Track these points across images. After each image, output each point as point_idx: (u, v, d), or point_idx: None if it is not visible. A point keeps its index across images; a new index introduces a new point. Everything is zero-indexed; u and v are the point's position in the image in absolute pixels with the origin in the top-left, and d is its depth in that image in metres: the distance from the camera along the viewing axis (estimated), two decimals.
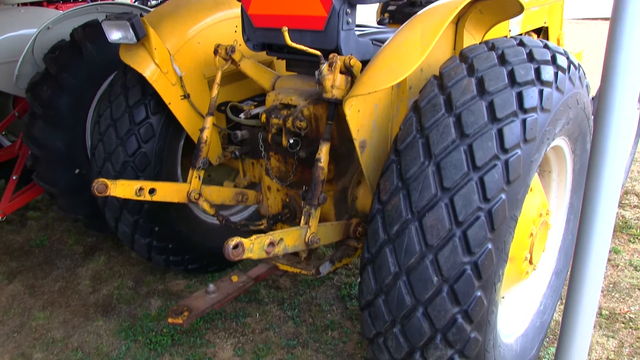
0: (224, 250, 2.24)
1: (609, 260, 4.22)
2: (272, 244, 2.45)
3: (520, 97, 2.22)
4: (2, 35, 4.82)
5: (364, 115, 2.57)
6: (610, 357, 3.26)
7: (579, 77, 2.66)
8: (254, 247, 2.35)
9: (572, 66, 2.55)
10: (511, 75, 2.28)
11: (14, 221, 5.29)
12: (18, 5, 6.17)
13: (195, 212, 3.94)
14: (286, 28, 2.78)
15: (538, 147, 2.28)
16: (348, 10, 2.81)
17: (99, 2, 6.11)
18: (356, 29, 3.29)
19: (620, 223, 4.74)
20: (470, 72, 2.34)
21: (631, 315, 3.60)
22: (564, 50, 2.58)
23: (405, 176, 2.24)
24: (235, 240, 2.25)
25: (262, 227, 3.40)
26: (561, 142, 2.85)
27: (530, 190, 2.74)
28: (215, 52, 3.37)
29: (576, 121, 2.76)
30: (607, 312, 3.64)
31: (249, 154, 3.62)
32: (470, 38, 3.10)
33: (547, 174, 3.17)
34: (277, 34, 3.02)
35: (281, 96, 3.14)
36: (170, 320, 2.91)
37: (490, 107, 2.19)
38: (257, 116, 3.42)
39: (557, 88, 2.36)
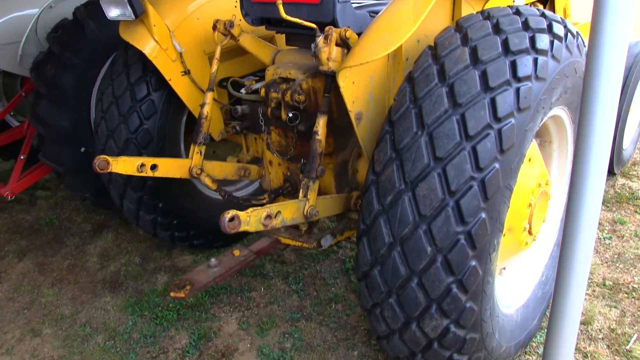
0: (220, 223, 2.26)
1: (614, 231, 4.21)
2: (269, 216, 2.47)
3: (514, 66, 2.20)
4: (7, 15, 4.82)
5: (359, 87, 2.56)
6: (611, 327, 3.27)
7: (577, 46, 2.63)
8: (250, 219, 2.37)
9: (569, 34, 2.52)
10: (505, 44, 2.26)
11: (23, 200, 5.36)
12: None
13: (199, 188, 3.97)
14: (281, 1, 2.78)
15: (533, 116, 2.26)
16: None
17: None
18: (354, 1, 3.27)
19: (627, 194, 4.71)
20: (464, 42, 2.33)
21: (634, 285, 3.59)
22: (561, 18, 2.54)
23: (398, 147, 2.24)
24: (231, 213, 2.27)
25: (265, 201, 3.42)
26: (560, 111, 2.83)
27: (529, 160, 2.73)
28: (214, 27, 3.37)
29: (575, 90, 2.73)
30: (610, 283, 3.64)
31: (250, 129, 3.63)
32: (470, 9, 3.07)
33: (548, 145, 3.15)
34: (274, 8, 3.00)
35: (280, 70, 3.13)
36: (172, 294, 2.95)
37: (483, 76, 2.17)
38: (257, 91, 3.42)
39: (553, 56, 2.34)
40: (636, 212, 4.45)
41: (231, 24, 3.33)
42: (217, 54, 3.37)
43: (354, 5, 3.14)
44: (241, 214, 2.31)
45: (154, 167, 3.24)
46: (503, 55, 2.23)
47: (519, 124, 2.17)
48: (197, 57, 3.59)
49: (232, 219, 2.28)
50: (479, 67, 2.20)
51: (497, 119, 2.12)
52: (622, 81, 4.48)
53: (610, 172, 4.94)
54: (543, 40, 2.33)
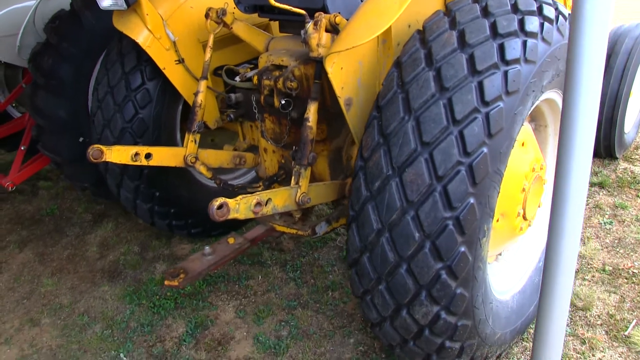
0: (208, 211, 2.26)
1: (615, 215, 4.17)
2: (259, 204, 2.45)
3: (502, 49, 2.17)
4: (6, 8, 4.82)
5: (348, 72, 2.54)
6: (610, 312, 3.24)
7: None
8: (239, 207, 2.35)
9: (560, 17, 2.48)
10: (493, 26, 2.23)
11: (25, 191, 5.38)
12: None
13: (195, 176, 3.96)
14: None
15: (522, 100, 2.23)
16: None
17: None
18: None
19: (629, 178, 4.66)
20: (452, 25, 2.29)
21: (634, 271, 3.56)
22: (553, 0, 2.50)
23: (385, 132, 2.21)
24: (219, 200, 2.26)
25: (260, 189, 3.42)
26: (554, 95, 2.79)
27: (522, 144, 2.70)
28: (207, 15, 3.35)
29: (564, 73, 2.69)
30: (610, 268, 3.61)
31: (245, 117, 3.61)
32: None
33: (543, 129, 3.12)
34: None
35: (273, 57, 3.12)
36: (166, 282, 2.95)
37: (471, 59, 2.14)
38: (251, 79, 3.40)
39: (543, 39, 2.30)
40: (637, 196, 4.41)
41: (223, 11, 3.31)
42: (210, 42, 3.36)
43: None
44: (230, 201, 2.30)
45: (148, 156, 3.24)
46: (491, 38, 2.20)
47: (508, 107, 2.14)
48: (191, 45, 3.58)
49: (220, 207, 2.26)
50: (467, 50, 2.17)
51: (485, 103, 2.09)
52: (622, 65, 4.44)
53: (612, 156, 4.89)
54: (532, 23, 2.29)
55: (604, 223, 4.10)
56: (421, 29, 2.43)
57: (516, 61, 2.17)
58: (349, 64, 2.53)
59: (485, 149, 2.08)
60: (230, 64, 3.71)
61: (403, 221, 2.14)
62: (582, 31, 1.62)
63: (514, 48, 2.18)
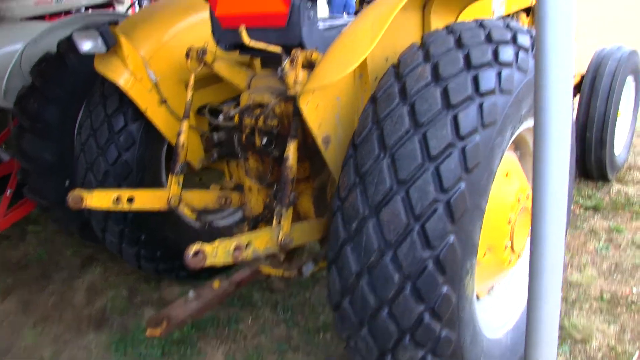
0: (184, 259, 2.20)
1: (611, 240, 4.08)
2: (238, 248, 2.38)
3: (476, 81, 2.12)
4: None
5: (325, 109, 2.48)
6: (611, 344, 3.14)
7: None
8: (217, 252, 2.29)
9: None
10: (467, 58, 2.18)
11: (12, 236, 5.29)
12: (21, 19, 6.18)
13: (182, 217, 3.90)
14: (243, 27, 2.74)
15: (500, 131, 2.18)
16: (308, 4, 2.74)
17: (89, 12, 6.12)
18: (328, 20, 3.22)
19: (623, 200, 4.58)
20: (426, 58, 2.25)
21: (633, 299, 3.46)
22: (527, 29, 2.46)
23: (361, 171, 2.15)
24: (195, 247, 2.20)
25: (246, 229, 3.35)
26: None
27: (506, 175, 2.64)
28: (187, 55, 3.32)
29: None
30: (608, 296, 3.51)
31: (229, 156, 3.56)
32: (441, 23, 3.00)
33: (529, 157, 3.04)
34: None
35: (254, 95, 3.08)
36: (148, 332, 2.87)
37: (445, 93, 2.09)
38: (234, 117, 3.36)
39: (519, 68, 2.26)
40: (633, 218, 4.33)
41: (204, 51, 3.27)
42: (192, 82, 3.32)
43: (323, 26, 3.08)
44: (207, 247, 2.24)
45: (130, 200, 3.18)
46: (465, 70, 2.15)
47: (485, 140, 2.08)
48: (173, 85, 3.54)
49: (196, 254, 2.21)
50: (441, 83, 2.12)
51: (460, 137, 2.03)
52: (607, 86, 4.42)
53: (605, 178, 4.83)
54: (507, 52, 2.25)
55: (600, 248, 4.02)
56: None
57: (491, 92, 2.12)
58: (326, 101, 2.48)
59: (463, 185, 2.01)
60: (214, 101, 3.68)
61: (382, 263, 2.06)
62: (546, 48, 1.58)
63: (488, 79, 2.13)
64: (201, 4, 3.74)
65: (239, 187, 3.72)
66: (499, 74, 2.16)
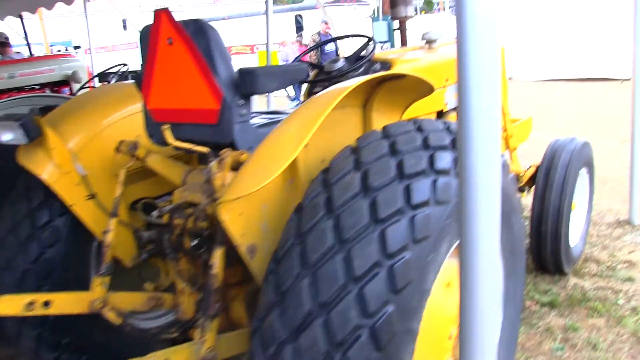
0: None
1: (566, 340, 3.91)
2: None
3: (408, 192, 1.97)
4: None
5: (250, 217, 2.30)
6: None
7: None
8: None
9: None
10: (400, 166, 2.05)
11: None
12: None
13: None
14: (167, 126, 2.61)
15: (435, 246, 2.01)
16: (241, 101, 2.62)
17: (30, 94, 5.99)
18: (261, 116, 3.10)
19: (579, 295, 4.43)
20: (356, 166, 2.11)
21: None
22: None
23: (281, 289, 1.96)
24: None
25: (175, 334, 3.11)
26: None
27: (447, 285, 2.47)
28: (117, 149, 3.15)
29: None
30: None
31: (162, 255, 3.35)
32: (385, 120, 2.90)
33: None
34: (177, 128, 2.83)
35: (186, 193, 2.91)
36: None
37: (373, 205, 1.93)
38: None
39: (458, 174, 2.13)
40: (589, 315, 4.17)
41: (135, 145, 3.11)
42: (122, 178, 3.13)
43: (260, 122, 2.97)
44: None
45: (46, 304, 2.93)
46: (397, 179, 2.01)
47: (416, 257, 1.91)
48: (105, 179, 3.34)
49: None
50: (370, 195, 1.97)
51: (388, 255, 1.86)
52: (561, 178, 4.35)
53: (562, 272, 4.70)
54: (444, 159, 2.12)
55: (555, 349, 3.83)
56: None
57: (424, 204, 1.97)
58: (250, 209, 2.30)
59: (390, 308, 1.83)
60: (152, 195, 3.49)
61: None
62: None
63: (421, 189, 1.99)
64: (137, 95, 3.62)
65: (172, 288, 3.49)
66: (435, 183, 2.02)
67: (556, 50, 16.99)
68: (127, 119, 3.45)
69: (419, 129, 2.27)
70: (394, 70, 3.68)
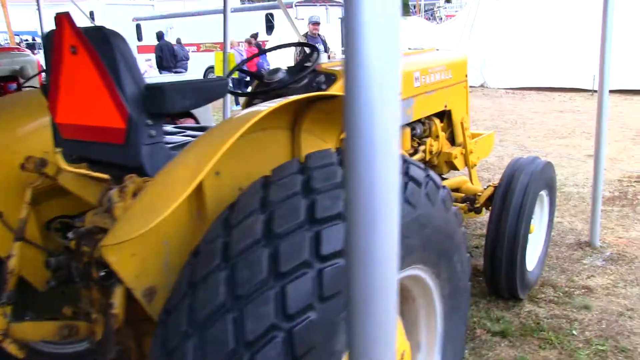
0: None
1: None
2: None
3: (317, 240, 1.71)
4: None
5: (145, 257, 2.02)
6: None
7: (427, 195, 2.19)
8: None
9: (431, 183, 2.12)
10: (311, 208, 1.78)
11: None
12: None
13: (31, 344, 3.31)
14: (59, 150, 2.33)
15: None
16: (149, 121, 2.33)
17: None
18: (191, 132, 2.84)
19: (533, 324, 4.21)
20: (263, 205, 1.84)
21: None
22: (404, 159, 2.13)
23: (167, 348, 1.69)
24: None
25: None
26: (415, 271, 2.34)
27: None
28: (23, 166, 2.84)
29: (430, 246, 2.28)
30: None
31: (74, 282, 3.05)
32: (319, 143, 2.65)
33: (412, 302, 2.65)
34: (85, 146, 2.54)
35: (98, 217, 2.61)
36: None
37: (274, 256, 1.67)
38: None
39: None
40: (541, 347, 3.95)
41: (43, 162, 2.80)
42: (28, 197, 2.84)
43: (178, 141, 2.69)
44: None
45: None
46: (306, 225, 1.75)
47: (323, 318, 1.66)
48: (13, 196, 3.03)
49: None
50: (272, 243, 1.71)
51: (287, 317, 1.60)
52: (519, 202, 4.10)
53: (517, 297, 4.48)
54: None
55: None
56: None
57: (336, 255, 1.71)
58: (146, 248, 2.02)
59: None
60: (69, 214, 3.19)
61: None
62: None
63: (333, 238, 1.73)
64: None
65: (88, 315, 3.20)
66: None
67: (529, 59, 16.91)
68: (41, 131, 3.14)
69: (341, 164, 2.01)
70: (340, 82, 3.43)
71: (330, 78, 3.43)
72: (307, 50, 3.67)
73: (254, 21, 19.56)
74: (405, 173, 2.07)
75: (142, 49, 21.63)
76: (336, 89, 3.36)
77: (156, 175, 1.97)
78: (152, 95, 2.29)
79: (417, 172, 2.14)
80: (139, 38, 24.20)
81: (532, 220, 4.63)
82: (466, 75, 5.04)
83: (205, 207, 2.14)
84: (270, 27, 18.47)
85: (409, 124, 4.27)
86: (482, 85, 18.59)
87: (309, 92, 2.48)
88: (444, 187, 2.39)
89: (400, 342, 2.38)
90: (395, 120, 1.07)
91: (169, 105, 2.31)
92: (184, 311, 1.69)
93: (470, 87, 18.26)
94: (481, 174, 8.15)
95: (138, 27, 24.71)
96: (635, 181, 7.67)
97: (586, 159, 8.62)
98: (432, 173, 2.30)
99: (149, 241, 2.01)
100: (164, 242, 2.08)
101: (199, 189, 2.06)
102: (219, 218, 1.91)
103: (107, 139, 2.43)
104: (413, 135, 4.41)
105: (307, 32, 13.26)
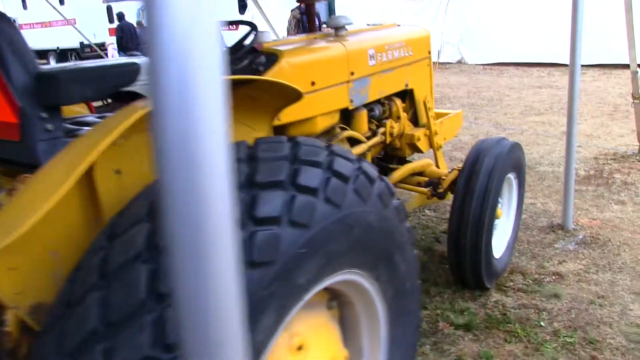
0: None
1: None
2: None
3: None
4: None
5: (28, 272, 1.75)
6: None
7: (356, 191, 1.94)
8: None
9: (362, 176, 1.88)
10: None
11: None
12: None
13: None
14: None
15: (251, 325, 1.52)
16: (44, 114, 2.06)
17: None
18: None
19: (499, 315, 4.00)
20: (150, 211, 1.58)
21: None
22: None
23: None
24: None
25: None
26: (348, 276, 2.10)
27: (298, 349, 1.98)
28: None
29: (362, 248, 2.04)
30: None
31: None
32: (247, 131, 2.40)
33: (350, 306, 2.41)
34: None
35: None
36: None
37: (154, 275, 1.42)
38: None
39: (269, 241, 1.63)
40: (506, 340, 3.74)
41: None
42: None
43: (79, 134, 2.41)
44: None
45: None
46: None
47: None
48: None
49: None
50: (154, 258, 1.45)
51: (165, 347, 1.35)
52: (484, 186, 3.85)
53: (483, 287, 4.26)
54: (270, 204, 1.63)
55: None
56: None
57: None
58: (27, 260, 1.75)
59: None
60: None
61: None
62: None
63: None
64: None
65: None
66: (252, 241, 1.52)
67: (506, 34, 16.62)
68: None
69: (252, 158, 1.76)
70: (280, 63, 3.18)
71: (271, 58, 3.17)
72: (249, 29, 3.39)
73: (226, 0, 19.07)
74: (328, 167, 1.83)
75: (113, 32, 21.17)
76: (276, 70, 3.11)
77: (35, 174, 1.71)
78: (45, 85, 2.01)
79: (344, 166, 1.89)
80: (110, 20, 23.66)
81: (500, 205, 4.42)
82: (429, 52, 4.78)
83: (104, 211, 1.88)
84: (243, 7, 17.99)
85: (365, 105, 4.02)
86: (459, 62, 18.33)
87: (247, 75, 2.24)
88: (381, 179, 2.14)
89: (334, 351, 2.16)
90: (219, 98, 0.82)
91: (65, 95, 2.04)
92: (55, 336, 1.45)
93: (447, 63, 18.05)
94: (454, 154, 7.92)
95: (109, 9, 24.14)
96: (611, 159, 7.48)
97: (562, 136, 8.41)
98: (365, 165, 2.05)
99: (30, 252, 1.74)
100: (50, 252, 1.82)
101: (93, 190, 1.81)
102: (107, 225, 1.66)
103: (3, 135, 2.16)
104: (371, 117, 4.16)
105: (299, 5, 11.93)
